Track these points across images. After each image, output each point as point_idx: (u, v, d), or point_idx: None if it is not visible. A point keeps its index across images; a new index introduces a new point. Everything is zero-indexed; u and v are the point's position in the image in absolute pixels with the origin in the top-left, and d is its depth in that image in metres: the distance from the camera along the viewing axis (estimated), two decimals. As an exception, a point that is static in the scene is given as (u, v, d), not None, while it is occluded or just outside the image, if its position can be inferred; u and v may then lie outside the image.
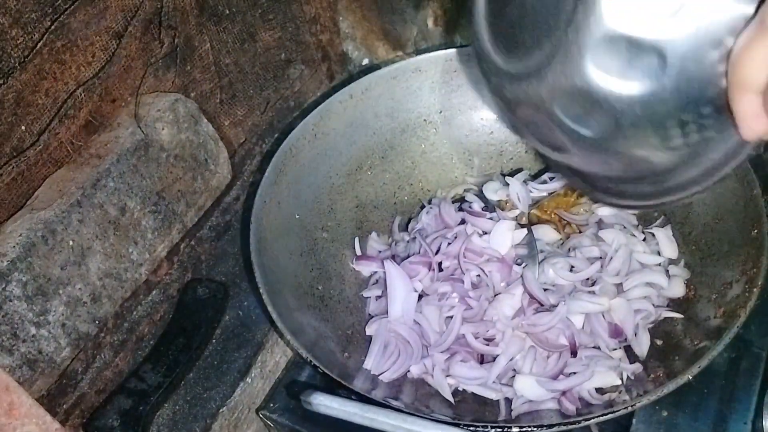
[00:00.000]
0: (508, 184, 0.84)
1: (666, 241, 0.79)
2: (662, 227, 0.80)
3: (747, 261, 0.69)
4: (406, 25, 1.07)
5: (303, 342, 0.66)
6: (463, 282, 0.75)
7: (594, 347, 0.72)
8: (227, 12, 0.87)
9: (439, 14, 1.12)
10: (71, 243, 0.69)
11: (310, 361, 0.65)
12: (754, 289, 0.66)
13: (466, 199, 0.85)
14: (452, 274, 0.77)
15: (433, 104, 0.90)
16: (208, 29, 0.85)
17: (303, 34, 1.00)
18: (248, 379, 0.77)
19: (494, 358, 0.72)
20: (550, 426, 0.62)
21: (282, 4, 0.95)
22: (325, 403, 0.61)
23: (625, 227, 0.81)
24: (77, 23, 0.69)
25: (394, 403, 0.64)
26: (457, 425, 0.61)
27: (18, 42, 0.64)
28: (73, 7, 0.68)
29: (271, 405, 0.74)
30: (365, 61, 1.10)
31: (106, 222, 0.72)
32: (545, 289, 0.75)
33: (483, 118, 0.91)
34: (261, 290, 0.69)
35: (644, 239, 0.80)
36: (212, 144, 0.84)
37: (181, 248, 0.83)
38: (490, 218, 0.80)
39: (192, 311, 0.78)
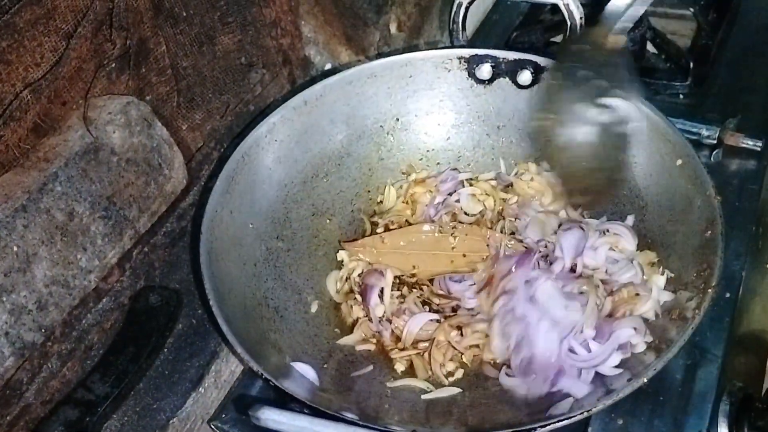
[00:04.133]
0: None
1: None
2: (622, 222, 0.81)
3: (701, 263, 0.69)
4: (369, 30, 1.07)
5: (253, 354, 0.65)
6: None
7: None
8: (184, 14, 0.86)
9: (403, 19, 1.11)
10: (15, 249, 0.67)
11: (261, 373, 0.63)
12: (708, 290, 0.66)
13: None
14: None
15: (390, 110, 0.90)
16: (164, 31, 0.84)
17: (263, 37, 0.99)
18: (201, 389, 0.76)
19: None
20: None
21: (241, 7, 0.93)
22: (273, 418, 0.60)
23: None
24: (23, 23, 0.67)
25: (348, 415, 0.63)
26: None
27: (-41, 41, 0.62)
28: (18, 6, 0.66)
29: (223, 416, 0.73)
30: (328, 66, 1.09)
31: (52, 227, 0.70)
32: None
33: (440, 123, 0.92)
34: (211, 302, 0.67)
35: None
36: (166, 148, 0.82)
37: (134, 255, 0.81)
38: None
39: (143, 319, 0.77)
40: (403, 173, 0.92)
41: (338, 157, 0.89)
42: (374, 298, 0.79)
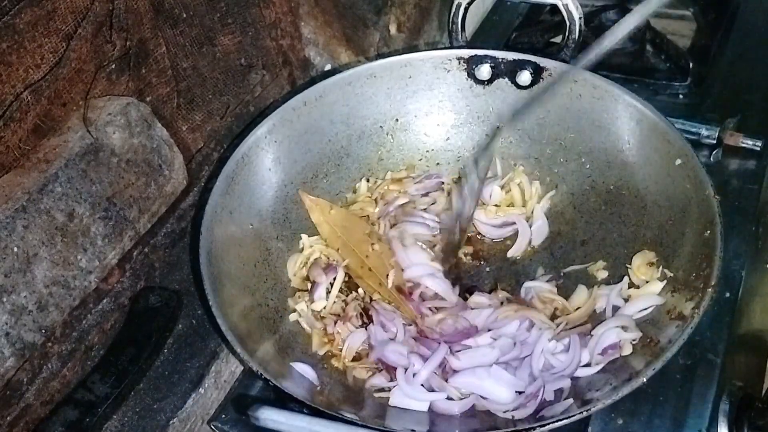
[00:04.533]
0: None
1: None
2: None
3: (700, 263, 0.69)
4: (369, 31, 1.07)
5: (253, 354, 0.65)
6: None
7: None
8: (184, 15, 0.86)
9: (402, 20, 1.11)
10: (16, 249, 0.67)
11: (260, 374, 0.64)
12: (707, 290, 0.66)
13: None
14: None
15: (389, 110, 0.90)
16: (164, 32, 0.84)
17: (263, 38, 0.99)
18: (201, 390, 0.76)
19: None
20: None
21: (241, 8, 0.93)
22: (272, 418, 0.60)
23: None
24: (24, 24, 0.67)
25: (347, 415, 0.63)
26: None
27: (-40, 43, 0.63)
28: (18, 7, 0.66)
29: (223, 416, 0.73)
30: (328, 67, 1.09)
31: (53, 228, 0.70)
32: None
33: (439, 123, 0.92)
34: (210, 302, 0.67)
35: None
36: (166, 149, 0.82)
37: (134, 255, 0.82)
38: None
39: (143, 320, 0.77)
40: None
41: (338, 158, 0.89)
42: (319, 292, 0.79)
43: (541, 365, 0.70)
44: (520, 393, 0.69)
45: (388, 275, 0.79)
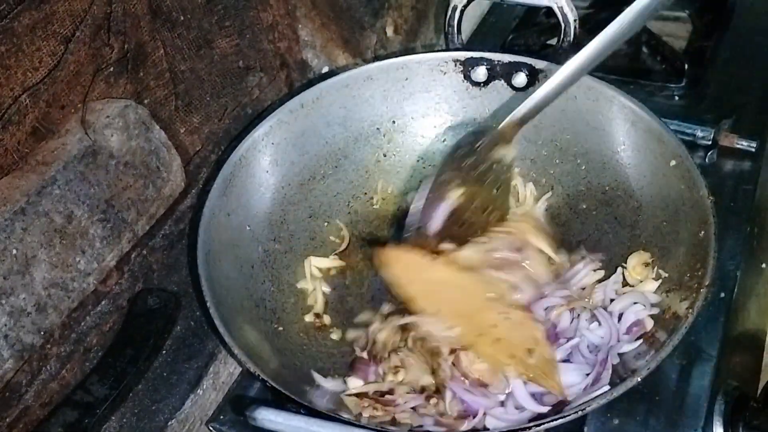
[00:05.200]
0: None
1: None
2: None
3: (695, 263, 0.70)
4: (366, 33, 1.07)
5: (250, 356, 0.66)
6: None
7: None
8: (182, 18, 0.86)
9: (399, 23, 1.12)
10: (15, 252, 0.67)
11: (258, 375, 0.64)
12: (702, 290, 0.67)
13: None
14: None
15: (386, 112, 0.90)
16: (161, 35, 0.84)
17: (261, 41, 1.00)
18: (199, 391, 0.76)
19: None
20: (501, 432, 0.62)
21: (239, 11, 0.94)
22: (269, 418, 0.60)
23: None
24: (22, 28, 0.68)
25: (344, 415, 0.63)
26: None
27: (-41, 47, 0.63)
28: (17, 10, 0.67)
29: (221, 417, 0.73)
30: (325, 69, 1.09)
31: (51, 230, 0.70)
32: None
33: (436, 125, 0.92)
34: (208, 304, 0.68)
35: None
36: (164, 151, 0.82)
37: (132, 257, 0.82)
38: None
39: (142, 322, 0.77)
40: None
41: (335, 160, 0.89)
42: (357, 378, 0.73)
43: (587, 345, 0.71)
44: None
45: (531, 350, 0.67)
